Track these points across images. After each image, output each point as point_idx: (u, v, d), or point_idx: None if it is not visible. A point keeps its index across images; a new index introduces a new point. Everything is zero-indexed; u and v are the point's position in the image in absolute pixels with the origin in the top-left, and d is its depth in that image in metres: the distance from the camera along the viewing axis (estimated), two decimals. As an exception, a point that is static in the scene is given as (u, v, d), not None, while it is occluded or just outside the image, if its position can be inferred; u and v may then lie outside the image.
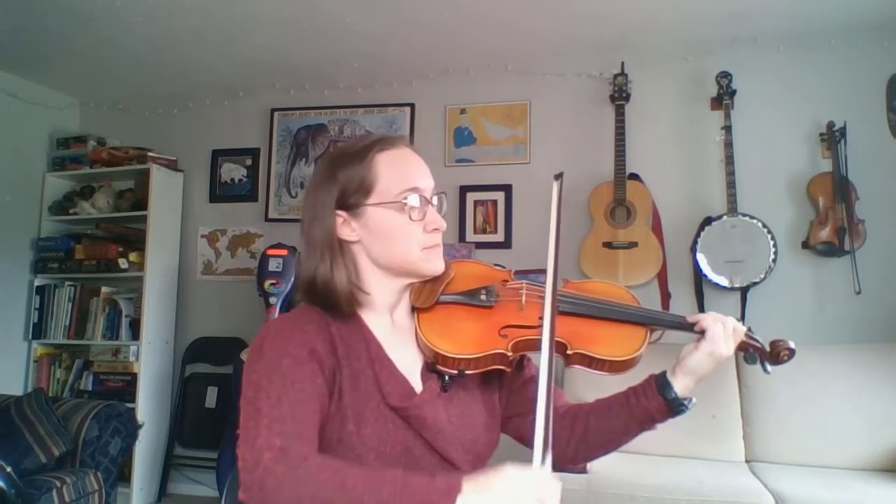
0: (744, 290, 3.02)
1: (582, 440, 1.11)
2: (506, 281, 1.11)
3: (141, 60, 3.58)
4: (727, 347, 1.03)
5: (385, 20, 3.09)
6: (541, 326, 0.93)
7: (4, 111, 3.75)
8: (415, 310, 1.06)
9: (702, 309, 3.13)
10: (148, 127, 4.10)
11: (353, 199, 1.03)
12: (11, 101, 3.77)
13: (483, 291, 1.07)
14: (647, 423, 1.07)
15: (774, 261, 2.95)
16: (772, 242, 2.96)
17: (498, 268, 1.15)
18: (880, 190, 3.00)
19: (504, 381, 1.13)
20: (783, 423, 2.61)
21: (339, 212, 1.03)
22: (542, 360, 0.90)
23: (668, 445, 2.60)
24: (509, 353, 1.02)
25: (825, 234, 2.99)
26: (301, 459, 0.84)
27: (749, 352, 1.07)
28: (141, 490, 3.54)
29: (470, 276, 1.10)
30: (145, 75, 3.79)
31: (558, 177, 1.03)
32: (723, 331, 1.03)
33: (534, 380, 1.12)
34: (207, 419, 3.66)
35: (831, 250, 2.97)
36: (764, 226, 2.98)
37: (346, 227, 1.03)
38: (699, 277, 3.12)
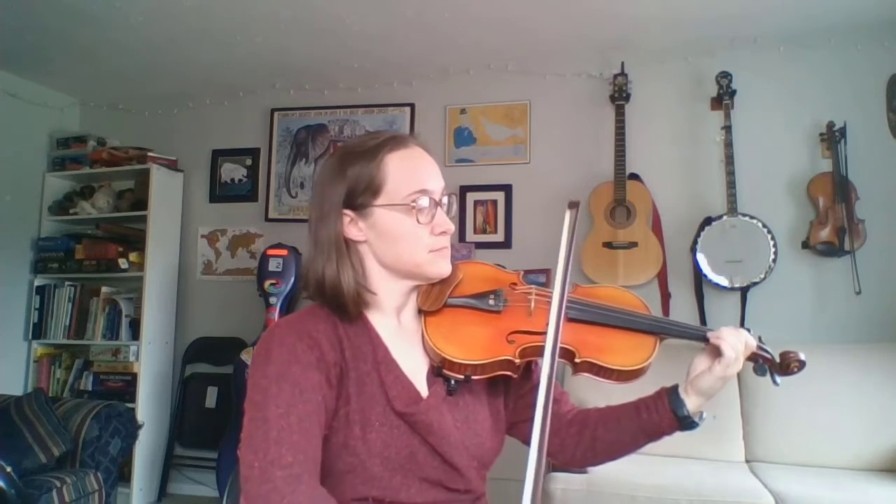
0: (744, 290, 3.02)
1: (589, 448, 1.12)
2: (514, 284, 1.08)
3: (141, 60, 3.58)
4: (739, 366, 1.02)
5: (385, 20, 3.09)
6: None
7: (4, 111, 3.75)
8: (422, 312, 1.04)
9: (701, 309, 3.14)
10: (148, 127, 4.10)
11: (360, 198, 1.01)
12: (11, 101, 3.77)
13: (492, 296, 1.04)
14: (656, 435, 1.08)
15: (774, 261, 2.95)
16: (772, 242, 2.96)
17: (502, 268, 1.13)
18: (880, 190, 3.00)
19: (511, 386, 1.12)
20: (783, 423, 2.61)
21: (347, 211, 1.01)
22: (544, 372, 0.83)
23: (668, 445, 2.50)
24: (516, 360, 1.00)
25: (825, 234, 2.99)
26: (309, 494, 0.85)
27: (759, 363, 1.05)
28: (141, 490, 3.54)
29: (478, 278, 1.08)
30: (145, 75, 3.79)
31: (573, 205, 0.98)
32: (737, 355, 1.01)
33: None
34: (207, 419, 3.66)
35: (831, 250, 2.97)
36: (764, 226, 2.98)
37: (354, 227, 1.02)
38: (699, 277, 3.12)
